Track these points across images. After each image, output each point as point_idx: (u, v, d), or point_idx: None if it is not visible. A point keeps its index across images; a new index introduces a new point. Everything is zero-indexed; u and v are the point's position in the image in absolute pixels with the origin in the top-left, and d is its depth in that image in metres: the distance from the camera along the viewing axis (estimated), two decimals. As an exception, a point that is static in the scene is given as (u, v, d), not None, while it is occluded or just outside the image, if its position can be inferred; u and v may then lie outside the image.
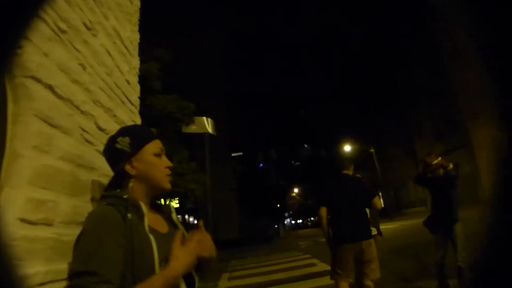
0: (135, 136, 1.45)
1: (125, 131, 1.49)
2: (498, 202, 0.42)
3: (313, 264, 9.95)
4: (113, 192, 1.39)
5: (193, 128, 8.04)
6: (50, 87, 1.46)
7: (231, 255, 16.83)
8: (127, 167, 1.41)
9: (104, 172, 1.87)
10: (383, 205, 5.24)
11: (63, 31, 1.62)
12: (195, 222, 26.84)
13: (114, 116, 2.17)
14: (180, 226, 1.54)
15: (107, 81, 2.13)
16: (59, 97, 1.54)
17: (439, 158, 4.93)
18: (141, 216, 1.33)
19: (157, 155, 1.47)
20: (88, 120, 1.79)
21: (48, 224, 1.34)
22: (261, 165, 39.96)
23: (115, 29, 2.36)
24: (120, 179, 1.45)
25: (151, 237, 1.29)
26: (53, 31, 1.54)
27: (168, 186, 1.49)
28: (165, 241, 1.37)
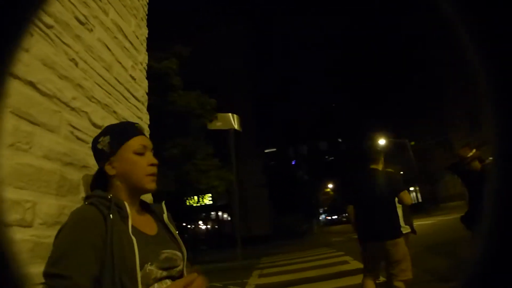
0: (115, 135, 1.41)
1: (107, 130, 1.46)
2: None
3: (346, 262, 9.72)
4: (97, 192, 1.34)
5: (218, 125, 7.97)
6: (31, 84, 1.40)
7: (262, 252, 16.81)
8: (107, 167, 1.38)
9: (99, 170, 1.82)
10: (413, 201, 4.89)
11: (49, 26, 1.56)
12: (229, 218, 27.02)
13: (114, 112, 2.11)
14: (172, 228, 1.47)
15: (106, 76, 2.07)
16: (43, 93, 1.48)
17: (474, 150, 4.61)
18: (124, 217, 1.27)
19: (139, 153, 1.40)
20: (79, 117, 1.73)
21: (25, 225, 1.28)
22: (294, 161, 39.70)
23: (116, 24, 2.30)
24: (103, 179, 1.41)
25: (134, 239, 1.21)
26: (36, 25, 1.48)
27: (149, 186, 1.41)
28: (152, 243, 1.31)
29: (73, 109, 1.68)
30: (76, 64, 1.76)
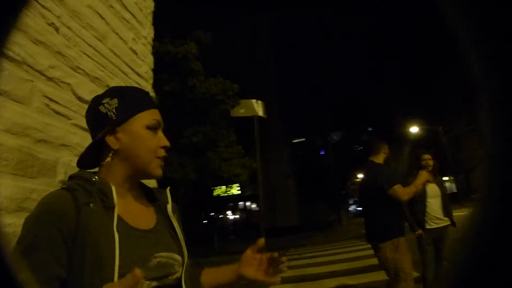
0: (126, 100, 1.10)
1: (114, 91, 1.15)
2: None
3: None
4: (81, 172, 1.07)
5: (241, 111, 7.73)
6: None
7: (289, 243, 16.59)
8: (109, 138, 1.08)
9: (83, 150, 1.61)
10: (410, 195, 4.40)
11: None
12: (257, 208, 26.97)
13: (108, 86, 1.89)
14: (175, 223, 1.18)
15: (98, 47, 1.86)
16: (9, 58, 1.27)
17: None
18: (109, 207, 1.00)
19: (151, 128, 1.11)
20: (59, 88, 1.52)
21: (-25, 211, 1.08)
22: (323, 151, 39.13)
23: (113, -9, 2.08)
24: (97, 152, 1.12)
25: (116, 237, 0.95)
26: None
27: (156, 171, 1.13)
28: (143, 243, 1.03)
29: (50, 78, 1.47)
30: (57, 30, 1.55)
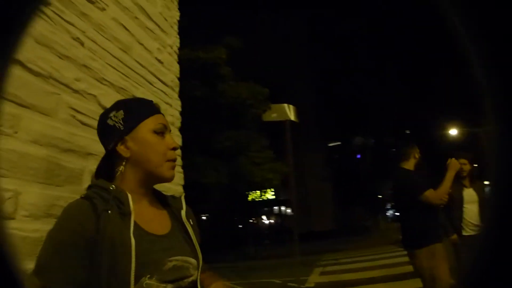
0: (131, 110, 1.18)
1: (120, 104, 1.23)
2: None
3: (413, 263, 9.12)
4: (99, 182, 1.13)
5: (273, 116, 7.79)
6: (18, 62, 1.27)
7: (324, 248, 16.37)
8: (120, 148, 1.14)
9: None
10: (442, 196, 4.14)
11: (46, 3, 1.42)
12: (292, 213, 26.86)
13: (133, 96, 1.97)
14: (189, 227, 1.21)
15: (122, 58, 1.92)
16: (36, 73, 1.34)
17: None
18: (125, 213, 1.05)
19: (158, 132, 1.17)
20: (85, 100, 1.59)
21: (5, 217, 1.14)
22: (359, 155, 38.45)
23: (137, 4, 2.15)
24: (111, 162, 1.19)
25: (133, 242, 1.00)
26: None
27: (167, 173, 1.18)
28: (158, 247, 1.08)
29: (76, 91, 1.54)
30: (82, 44, 1.62)
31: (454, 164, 3.58)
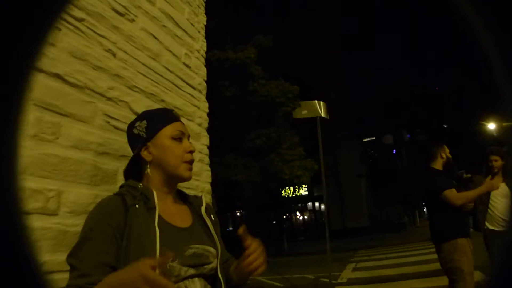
0: (152, 120, 1.35)
1: (143, 115, 1.41)
2: None
3: (449, 259, 8.91)
4: (129, 182, 1.31)
5: (303, 113, 7.79)
6: (57, 76, 1.42)
7: (359, 244, 16.23)
8: (143, 153, 1.32)
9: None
10: (465, 200, 4.09)
11: (80, 19, 1.57)
12: (322, 209, 26.68)
13: (162, 101, 2.10)
14: (208, 221, 1.38)
15: (151, 65, 2.06)
16: (73, 85, 1.49)
17: None
18: (151, 207, 1.21)
19: (176, 138, 1.33)
20: (117, 106, 1.73)
21: (48, 214, 1.29)
22: (394, 151, 37.60)
23: (165, 12, 2.28)
24: (136, 166, 1.36)
25: (157, 231, 1.15)
26: (64, 19, 1.49)
27: (185, 174, 1.34)
28: (180, 237, 1.24)
29: (109, 99, 1.68)
30: (114, 55, 1.76)
31: (489, 184, 3.68)
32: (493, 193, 4.04)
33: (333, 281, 7.62)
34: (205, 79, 2.73)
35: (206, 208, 1.42)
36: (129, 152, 1.69)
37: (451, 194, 3.54)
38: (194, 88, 2.54)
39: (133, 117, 1.79)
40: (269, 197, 16.39)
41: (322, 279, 8.32)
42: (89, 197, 1.47)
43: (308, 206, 28.06)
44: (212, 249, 1.30)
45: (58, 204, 1.33)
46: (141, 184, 1.28)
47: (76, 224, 1.37)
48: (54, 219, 1.31)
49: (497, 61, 0.39)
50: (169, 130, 1.34)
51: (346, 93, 29.08)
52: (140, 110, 1.87)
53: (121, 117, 1.74)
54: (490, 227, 4.01)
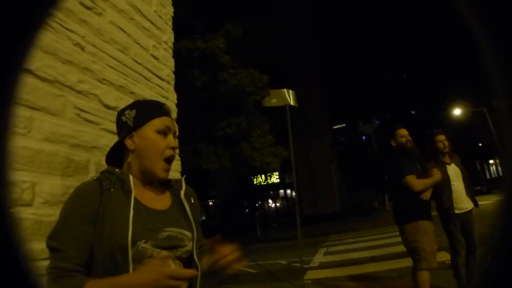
0: (142, 110, 1.37)
1: (134, 104, 1.43)
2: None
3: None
4: (109, 168, 1.35)
5: (273, 101, 7.86)
6: (28, 71, 1.45)
7: (330, 229, 16.60)
8: (127, 141, 1.35)
9: (111, 150, 1.87)
10: (424, 187, 4.25)
11: (51, 15, 1.60)
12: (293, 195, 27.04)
13: (132, 93, 2.15)
14: (186, 205, 1.41)
15: (120, 58, 2.10)
16: (43, 79, 1.53)
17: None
18: (127, 191, 1.26)
19: (161, 132, 1.35)
20: (87, 99, 1.78)
21: (24, 204, 1.34)
22: (364, 137, 38.40)
23: (133, 5, 2.31)
24: (119, 153, 1.40)
25: (131, 213, 1.20)
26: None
27: (161, 174, 1.35)
28: (155, 219, 1.28)
29: (79, 92, 1.72)
30: (82, 48, 1.80)
31: (438, 176, 3.77)
32: (452, 177, 4.10)
33: (305, 266, 7.81)
34: (173, 70, 2.78)
35: (185, 191, 1.45)
36: (100, 143, 1.75)
37: (412, 180, 3.63)
38: (163, 80, 2.59)
39: (103, 109, 1.85)
40: (241, 185, 16.54)
41: (294, 264, 8.50)
42: (63, 187, 1.52)
43: (280, 194, 28.38)
44: (187, 233, 1.33)
45: (32, 195, 1.38)
46: (118, 170, 1.32)
47: (51, 214, 1.43)
48: (29, 209, 1.36)
49: (482, 42, 0.40)
50: (157, 123, 1.35)
51: (318, 81, 29.34)
52: (110, 102, 1.93)
53: (92, 110, 1.78)
54: (456, 211, 4.01)
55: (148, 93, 2.33)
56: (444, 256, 5.92)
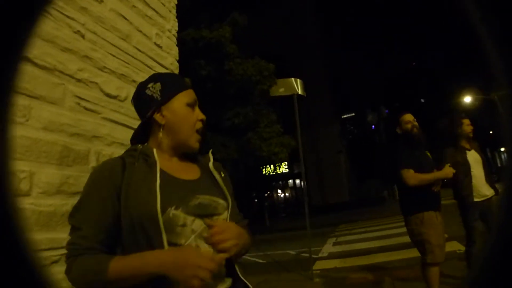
0: (167, 83, 1.33)
1: (156, 77, 1.38)
2: None
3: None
4: (132, 146, 1.32)
5: (280, 91, 7.80)
6: (26, 59, 1.42)
7: (339, 219, 16.60)
8: (156, 116, 1.30)
9: (113, 139, 1.84)
10: (420, 183, 4.10)
11: (50, 3, 1.57)
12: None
13: (133, 81, 2.11)
14: (217, 175, 1.36)
15: (122, 46, 2.06)
16: (42, 67, 1.50)
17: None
18: (152, 163, 1.21)
19: (190, 105, 1.33)
20: (88, 88, 1.75)
21: (22, 194, 1.32)
22: (374, 126, 38.13)
23: (135, -8, 2.27)
24: (147, 129, 1.35)
25: (158, 182, 1.15)
26: None
27: (195, 145, 1.34)
28: (186, 188, 1.23)
29: (79, 80, 1.69)
30: (83, 36, 1.76)
31: (449, 171, 3.59)
32: (472, 163, 3.97)
33: (314, 256, 7.82)
34: (177, 58, 2.74)
35: (214, 164, 1.40)
36: (100, 132, 1.73)
37: (407, 173, 3.48)
38: (166, 68, 2.55)
39: (104, 98, 1.82)
40: (249, 175, 16.58)
41: (303, 254, 8.52)
42: (62, 177, 1.50)
43: (289, 184, 28.43)
44: (221, 201, 1.28)
45: (30, 185, 1.36)
46: (140, 145, 1.28)
47: (49, 204, 1.41)
48: (27, 199, 1.34)
49: (486, 31, 0.39)
50: (185, 96, 1.33)
51: (325, 70, 29.13)
52: (111, 91, 1.90)
53: (92, 98, 1.76)
54: (475, 199, 3.90)
55: (151, 82, 2.29)
56: (455, 246, 5.86)
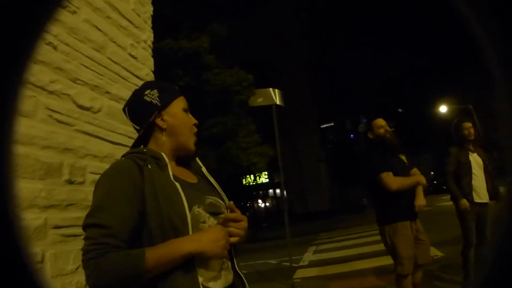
0: (164, 90, 1.39)
1: (151, 84, 1.43)
2: None
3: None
4: (132, 150, 1.33)
5: (259, 101, 7.84)
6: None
7: (320, 227, 16.67)
8: (158, 120, 1.34)
9: (86, 152, 1.82)
10: (401, 187, 4.08)
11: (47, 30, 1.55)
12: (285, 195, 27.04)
13: (107, 92, 2.10)
14: (212, 179, 1.45)
15: (96, 57, 2.05)
16: (12, 78, 1.48)
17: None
18: (163, 165, 1.25)
19: (185, 110, 1.40)
20: (60, 100, 1.72)
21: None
22: (352, 136, 38.63)
23: (109, 3, 2.26)
24: (144, 135, 1.37)
25: (177, 184, 1.20)
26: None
27: (192, 147, 1.41)
28: (194, 190, 1.29)
29: (51, 92, 1.67)
30: (55, 48, 1.75)
31: (421, 179, 3.42)
32: (473, 164, 3.97)
33: (295, 265, 7.80)
34: (153, 69, 2.73)
35: (204, 168, 1.49)
36: (73, 145, 1.70)
37: (388, 177, 3.30)
38: (141, 79, 2.54)
39: (77, 110, 1.80)
40: (229, 185, 16.54)
41: (284, 263, 8.49)
42: (34, 191, 1.47)
43: (270, 193, 28.43)
44: (222, 202, 1.38)
45: None
46: (145, 148, 1.31)
47: (22, 218, 1.38)
48: (-3, 214, 1.31)
49: (486, 42, 0.38)
50: (181, 101, 1.40)
51: (306, 80, 29.42)
52: (84, 102, 1.88)
53: (64, 110, 1.73)
54: (476, 200, 3.87)
55: (125, 93, 2.27)
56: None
